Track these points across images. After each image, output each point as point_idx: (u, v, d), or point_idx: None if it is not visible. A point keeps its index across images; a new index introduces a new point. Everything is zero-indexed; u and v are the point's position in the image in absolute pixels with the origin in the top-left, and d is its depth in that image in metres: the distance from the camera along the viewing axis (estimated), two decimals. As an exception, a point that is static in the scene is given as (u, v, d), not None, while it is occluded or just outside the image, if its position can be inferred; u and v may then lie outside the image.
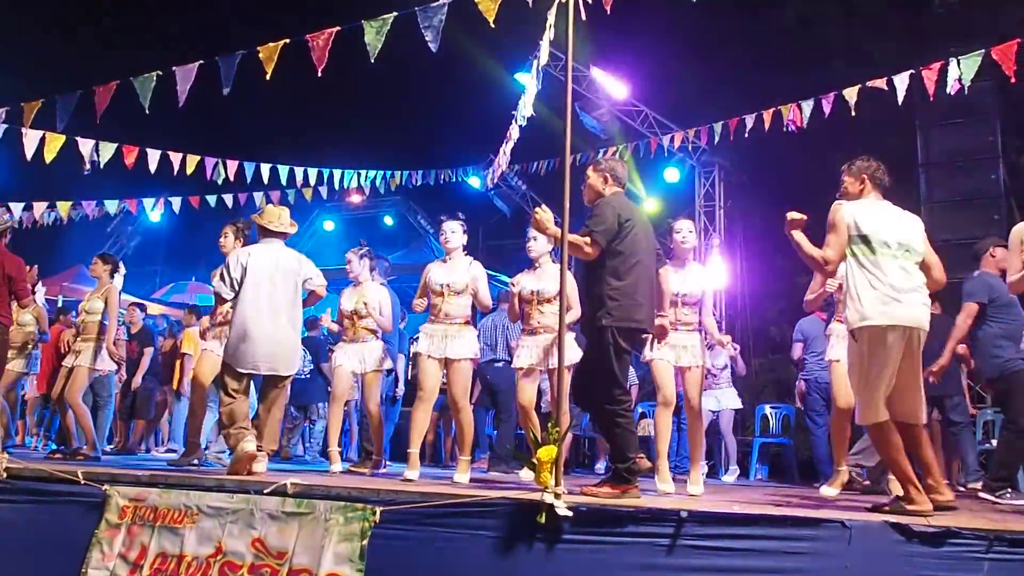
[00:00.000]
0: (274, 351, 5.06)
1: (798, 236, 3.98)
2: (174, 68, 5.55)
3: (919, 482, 3.72)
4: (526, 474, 5.20)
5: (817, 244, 3.98)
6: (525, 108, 6.89)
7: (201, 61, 5.50)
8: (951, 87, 6.81)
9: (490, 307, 6.10)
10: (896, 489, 4.00)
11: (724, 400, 8.20)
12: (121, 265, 7.04)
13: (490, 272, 11.24)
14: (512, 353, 6.22)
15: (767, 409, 9.07)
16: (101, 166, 7.46)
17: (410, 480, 4.97)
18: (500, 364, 7.27)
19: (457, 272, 5.45)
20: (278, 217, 5.32)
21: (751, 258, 12.67)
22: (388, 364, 6.26)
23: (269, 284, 5.10)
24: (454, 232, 5.53)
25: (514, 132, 7.62)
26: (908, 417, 3.88)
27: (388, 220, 15.93)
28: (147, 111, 5.56)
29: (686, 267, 5.24)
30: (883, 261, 3.82)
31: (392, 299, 6.41)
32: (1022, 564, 2.98)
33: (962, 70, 6.67)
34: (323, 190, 11.34)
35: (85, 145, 7.34)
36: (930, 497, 3.72)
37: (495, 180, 12.75)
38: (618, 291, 4.15)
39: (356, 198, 14.52)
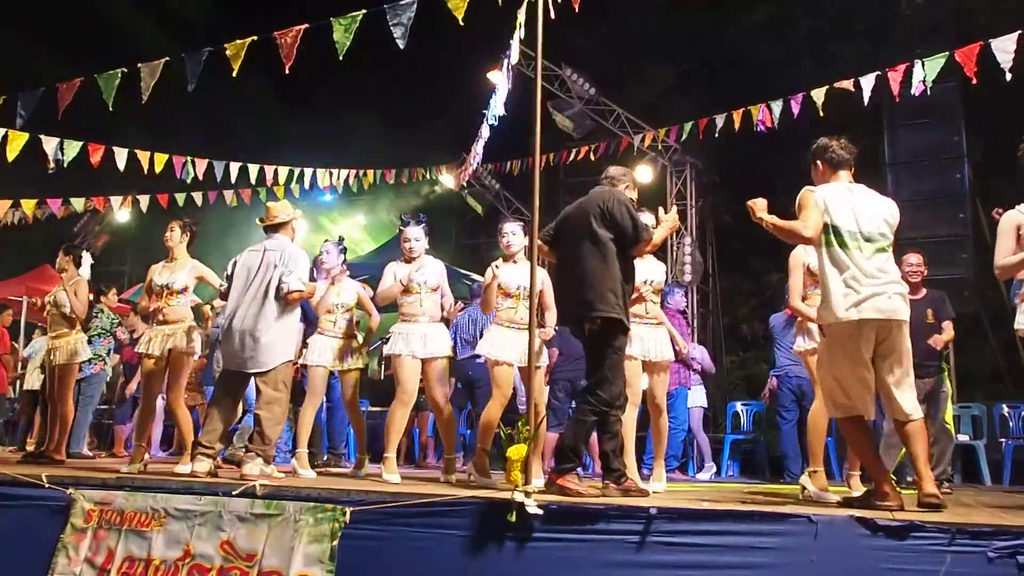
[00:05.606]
0: (239, 347, 4.96)
1: (768, 217, 3.76)
2: (139, 65, 5.48)
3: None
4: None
5: None
6: (496, 107, 6.87)
7: (167, 58, 5.44)
8: (915, 88, 6.92)
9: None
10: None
11: (693, 398, 8.26)
12: (85, 254, 6.88)
13: (463, 271, 11.27)
14: None
15: (738, 406, 9.13)
16: (66, 164, 7.32)
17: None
18: (481, 360, 7.19)
19: (427, 270, 5.33)
20: (270, 213, 5.27)
21: (722, 256, 12.80)
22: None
23: (247, 280, 5.04)
24: (418, 240, 5.40)
25: (485, 131, 7.60)
26: (898, 414, 3.72)
27: (361, 219, 15.84)
28: (111, 108, 5.48)
29: (645, 258, 5.03)
30: (854, 254, 3.69)
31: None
32: (983, 556, 3.04)
33: (926, 72, 6.78)
34: (295, 188, 11.23)
35: (49, 143, 7.21)
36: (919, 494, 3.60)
37: (466, 179, 12.72)
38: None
39: (328, 197, 14.41)
